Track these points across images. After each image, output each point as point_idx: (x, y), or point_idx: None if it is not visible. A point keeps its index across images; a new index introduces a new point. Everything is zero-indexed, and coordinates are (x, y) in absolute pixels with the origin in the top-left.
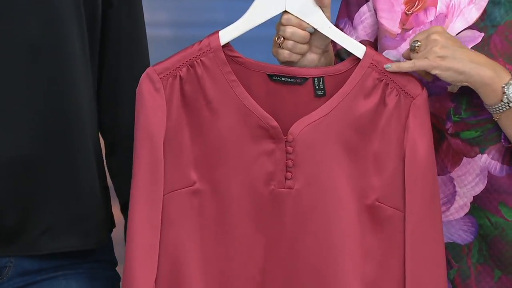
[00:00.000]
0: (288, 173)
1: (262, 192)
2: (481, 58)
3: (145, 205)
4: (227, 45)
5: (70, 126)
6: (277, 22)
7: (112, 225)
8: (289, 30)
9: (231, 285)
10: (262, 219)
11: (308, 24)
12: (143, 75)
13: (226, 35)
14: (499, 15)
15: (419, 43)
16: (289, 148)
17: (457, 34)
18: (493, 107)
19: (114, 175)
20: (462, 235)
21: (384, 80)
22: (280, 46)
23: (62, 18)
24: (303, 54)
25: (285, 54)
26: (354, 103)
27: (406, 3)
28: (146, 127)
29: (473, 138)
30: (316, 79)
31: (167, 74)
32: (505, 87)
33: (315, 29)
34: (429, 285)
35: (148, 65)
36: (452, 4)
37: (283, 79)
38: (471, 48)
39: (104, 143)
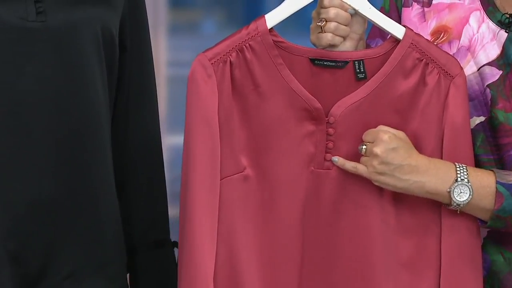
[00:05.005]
0: (328, 154)
1: (303, 174)
2: (422, 166)
3: (204, 190)
4: (271, 30)
5: (94, 172)
6: (313, 10)
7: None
8: (333, 11)
9: (278, 269)
10: (304, 201)
11: (349, 5)
12: (195, 61)
13: (273, 18)
14: None
15: (364, 147)
16: (330, 130)
17: (478, 69)
18: (448, 207)
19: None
20: None
21: (424, 60)
22: (322, 29)
23: (85, 63)
24: (344, 38)
25: (328, 37)
26: (394, 83)
27: (432, 34)
28: (202, 113)
29: None
30: (356, 62)
31: (217, 60)
32: (451, 192)
33: (356, 10)
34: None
35: (157, 110)
36: (475, 38)
37: (325, 63)
38: (487, 85)
39: None
